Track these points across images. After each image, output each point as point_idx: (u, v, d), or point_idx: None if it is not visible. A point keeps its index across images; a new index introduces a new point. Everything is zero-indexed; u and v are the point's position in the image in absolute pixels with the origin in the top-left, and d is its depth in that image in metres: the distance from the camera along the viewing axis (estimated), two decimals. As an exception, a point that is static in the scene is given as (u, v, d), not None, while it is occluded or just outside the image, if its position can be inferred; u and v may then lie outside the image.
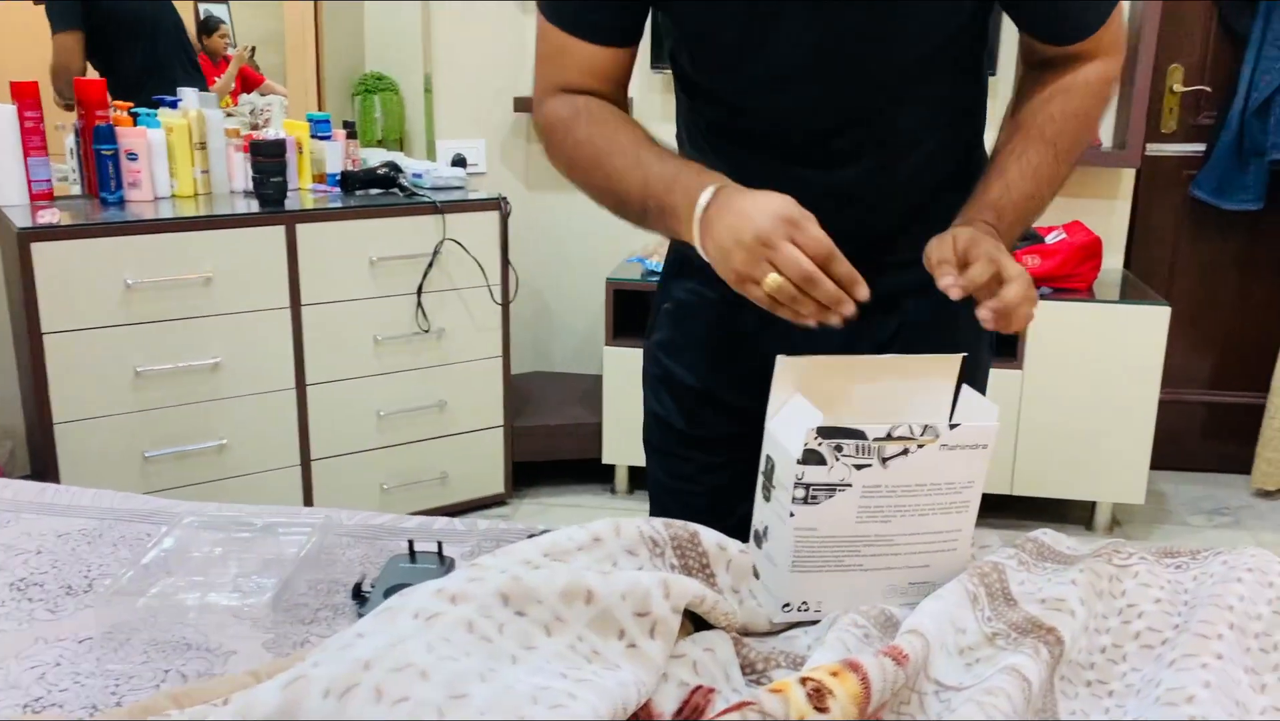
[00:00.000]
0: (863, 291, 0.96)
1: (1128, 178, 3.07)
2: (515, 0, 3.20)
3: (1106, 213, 3.07)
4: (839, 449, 0.95)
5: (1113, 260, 3.11)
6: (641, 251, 3.09)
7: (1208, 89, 3.08)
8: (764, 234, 0.94)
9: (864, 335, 1.17)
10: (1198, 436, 3.30)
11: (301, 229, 2.48)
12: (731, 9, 1.07)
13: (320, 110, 3.10)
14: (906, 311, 1.23)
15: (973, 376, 1.15)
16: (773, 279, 0.94)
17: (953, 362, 1.13)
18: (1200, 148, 3.10)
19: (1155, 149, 3.12)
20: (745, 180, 1.06)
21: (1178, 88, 3.08)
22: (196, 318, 2.38)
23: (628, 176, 1.09)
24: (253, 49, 3.15)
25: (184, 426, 2.41)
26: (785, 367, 1.07)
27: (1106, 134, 3.01)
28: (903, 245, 1.19)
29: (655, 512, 1.32)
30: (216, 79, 3.10)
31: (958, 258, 1.02)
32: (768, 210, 0.95)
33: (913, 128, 1.16)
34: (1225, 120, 2.98)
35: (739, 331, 1.25)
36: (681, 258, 1.32)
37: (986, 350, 1.30)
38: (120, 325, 2.31)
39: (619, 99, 1.19)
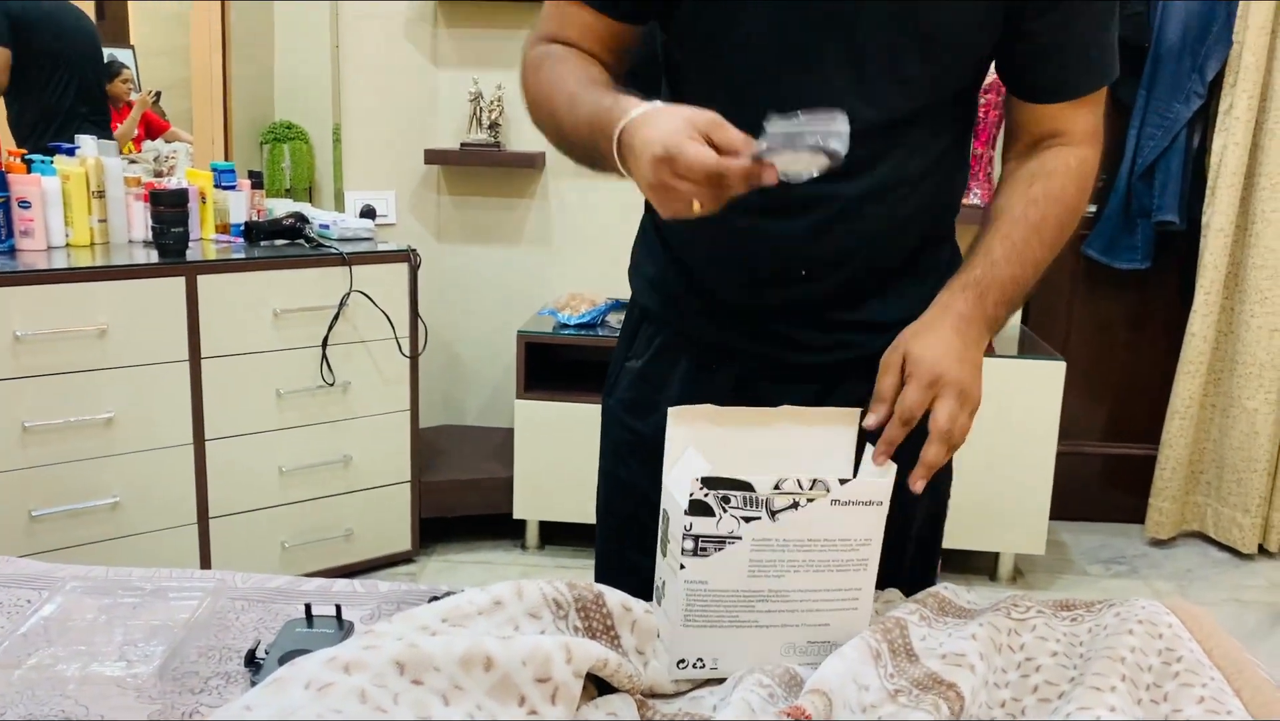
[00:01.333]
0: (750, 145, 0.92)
1: (1024, 237, 3.17)
2: (426, 19, 3.21)
3: (1004, 270, 3.17)
4: (726, 500, 0.95)
5: (1011, 317, 3.20)
6: (554, 304, 3.09)
7: (1097, 153, 3.21)
8: (664, 151, 0.91)
9: (836, 400, 1.18)
10: (1095, 487, 3.40)
11: (203, 280, 2.42)
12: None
13: (227, 158, 3.05)
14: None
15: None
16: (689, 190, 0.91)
17: (852, 414, 1.14)
18: (1091, 208, 3.23)
19: (1049, 209, 3.23)
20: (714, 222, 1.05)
21: (1069, 151, 3.21)
22: (90, 370, 2.30)
23: (571, 112, 1.06)
24: (157, 94, 3.09)
25: (74, 484, 2.32)
26: (678, 418, 1.08)
27: (1003, 195, 3.11)
28: (873, 306, 1.20)
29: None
30: (119, 125, 3.03)
31: (894, 391, 1.05)
32: (664, 128, 0.92)
33: (890, 178, 1.15)
34: (1114, 183, 3.12)
35: (713, 392, 1.22)
36: (647, 312, 1.30)
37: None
38: (8, 379, 2.21)
39: (609, 66, 1.17)
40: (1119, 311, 3.32)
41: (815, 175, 0.96)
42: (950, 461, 1.22)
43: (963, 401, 1.05)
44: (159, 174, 2.98)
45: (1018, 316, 3.24)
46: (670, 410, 1.10)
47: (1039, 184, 1.14)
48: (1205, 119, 3.06)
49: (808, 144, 0.94)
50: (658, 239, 1.31)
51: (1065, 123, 1.16)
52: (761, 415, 1.12)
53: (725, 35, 1.11)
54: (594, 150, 1.02)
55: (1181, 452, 3.14)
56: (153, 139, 3.09)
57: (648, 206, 1.30)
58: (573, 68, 1.13)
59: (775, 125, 0.94)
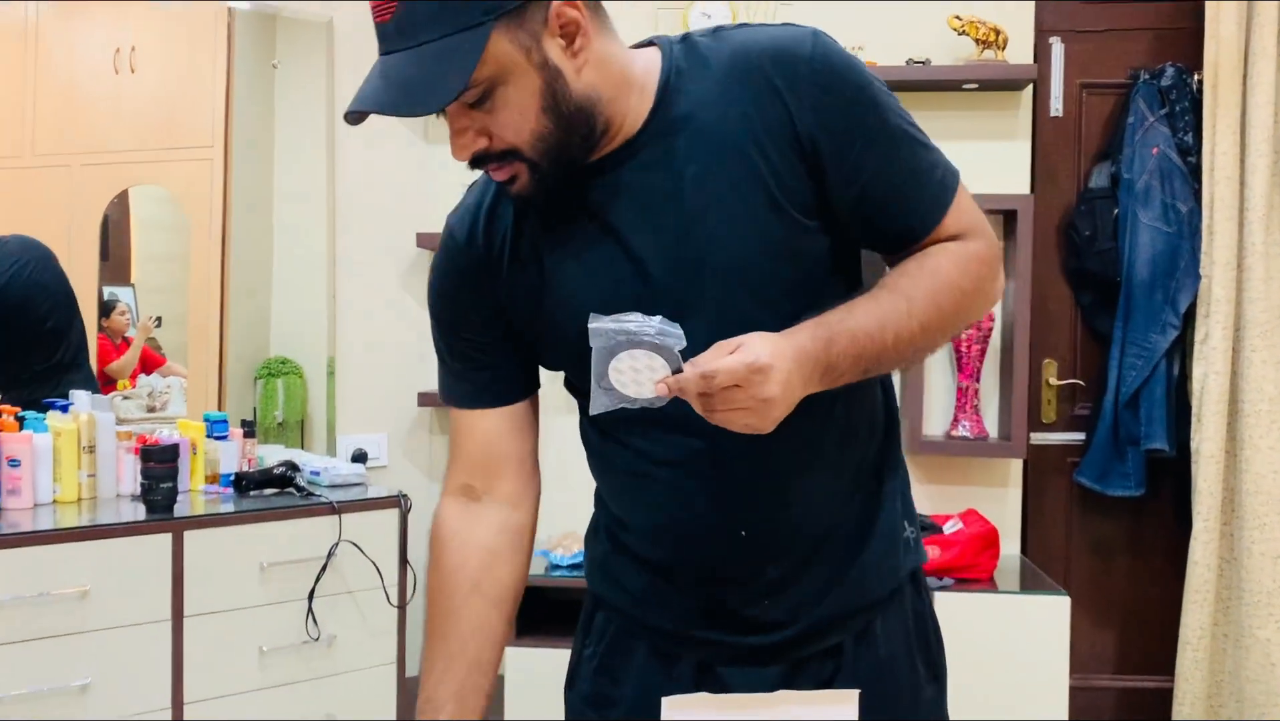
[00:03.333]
0: None
1: (1016, 467, 3.18)
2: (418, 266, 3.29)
3: (999, 500, 3.16)
4: None
5: (1010, 546, 3.16)
6: (546, 544, 3.04)
7: (1081, 382, 3.26)
8: None
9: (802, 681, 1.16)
10: (1111, 723, 3.27)
11: (189, 536, 2.38)
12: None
13: (221, 394, 3.07)
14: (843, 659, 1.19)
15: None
16: None
17: (850, 696, 1.10)
18: (1080, 436, 3.25)
19: (1039, 438, 3.25)
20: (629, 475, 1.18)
21: (1053, 381, 3.26)
22: (67, 635, 2.23)
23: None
24: (158, 320, 3.11)
25: (42, 757, 2.20)
26: (672, 707, 1.04)
27: (992, 425, 3.14)
28: (819, 571, 1.17)
29: None
30: (114, 361, 3.05)
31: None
32: None
33: (794, 441, 1.10)
34: (1100, 412, 3.15)
35: (673, 684, 1.19)
36: (599, 599, 1.29)
37: (930, 691, 1.25)
38: (-19, 646, 2.14)
39: (516, 482, 1.27)
40: (1118, 538, 3.28)
41: (659, 396, 0.97)
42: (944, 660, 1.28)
43: (754, 397, 0.95)
44: (151, 409, 2.99)
45: (1017, 546, 3.19)
46: (665, 701, 1.06)
47: (912, 261, 1.11)
48: (1184, 347, 3.12)
49: (642, 341, 0.95)
50: (602, 513, 1.31)
51: (937, 236, 1.13)
52: (760, 701, 1.09)
53: (552, 333, 1.18)
54: None
55: (1199, 686, 3.03)
56: (148, 374, 3.12)
57: (597, 498, 1.31)
58: (452, 620, 1.24)
59: (599, 321, 0.97)
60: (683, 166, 1.08)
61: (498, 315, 1.19)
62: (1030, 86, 3.13)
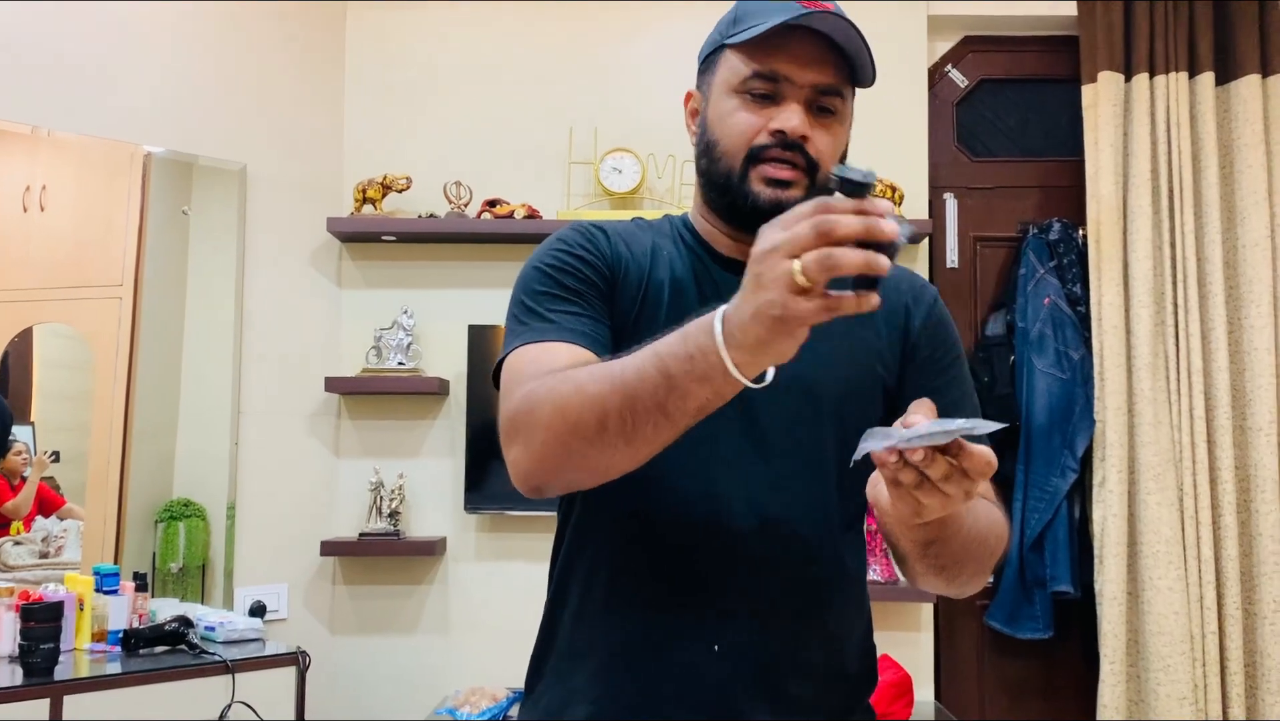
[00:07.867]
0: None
1: (927, 611, 3.19)
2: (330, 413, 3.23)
3: (912, 645, 3.15)
4: None
5: (924, 692, 3.14)
6: (452, 702, 2.94)
7: (987, 524, 3.31)
8: (792, 213, 0.87)
9: None
10: None
11: (70, 701, 2.25)
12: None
13: (119, 536, 2.94)
14: None
15: None
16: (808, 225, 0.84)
17: None
18: (989, 579, 3.28)
19: (948, 580, 3.27)
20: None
21: (960, 523, 3.31)
22: (-75, 814, 2.07)
23: (629, 366, 0.97)
24: (54, 454, 2.99)
25: None
26: None
27: (902, 570, 3.16)
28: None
29: None
30: (9, 501, 2.91)
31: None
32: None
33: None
34: (1007, 555, 3.18)
35: None
36: None
37: None
38: None
39: None
40: (1030, 681, 3.28)
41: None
42: None
43: None
44: (45, 554, 2.85)
45: (931, 692, 3.17)
46: None
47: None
48: (1084, 489, 3.20)
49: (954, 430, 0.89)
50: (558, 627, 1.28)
51: None
52: None
53: None
54: (679, 357, 0.93)
55: (1114, 834, 3.00)
56: (47, 515, 2.98)
57: (536, 658, 1.27)
58: (604, 361, 1.06)
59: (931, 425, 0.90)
60: None
61: (607, 292, 1.22)
62: (926, 240, 3.27)
